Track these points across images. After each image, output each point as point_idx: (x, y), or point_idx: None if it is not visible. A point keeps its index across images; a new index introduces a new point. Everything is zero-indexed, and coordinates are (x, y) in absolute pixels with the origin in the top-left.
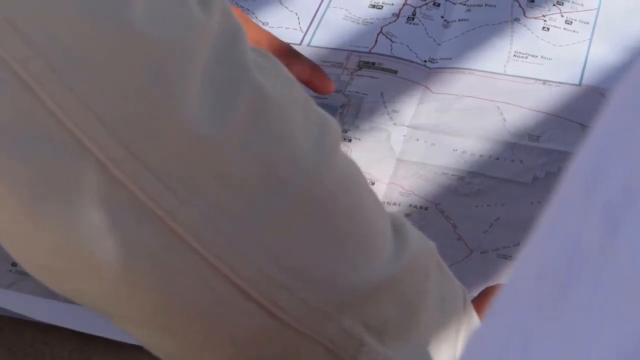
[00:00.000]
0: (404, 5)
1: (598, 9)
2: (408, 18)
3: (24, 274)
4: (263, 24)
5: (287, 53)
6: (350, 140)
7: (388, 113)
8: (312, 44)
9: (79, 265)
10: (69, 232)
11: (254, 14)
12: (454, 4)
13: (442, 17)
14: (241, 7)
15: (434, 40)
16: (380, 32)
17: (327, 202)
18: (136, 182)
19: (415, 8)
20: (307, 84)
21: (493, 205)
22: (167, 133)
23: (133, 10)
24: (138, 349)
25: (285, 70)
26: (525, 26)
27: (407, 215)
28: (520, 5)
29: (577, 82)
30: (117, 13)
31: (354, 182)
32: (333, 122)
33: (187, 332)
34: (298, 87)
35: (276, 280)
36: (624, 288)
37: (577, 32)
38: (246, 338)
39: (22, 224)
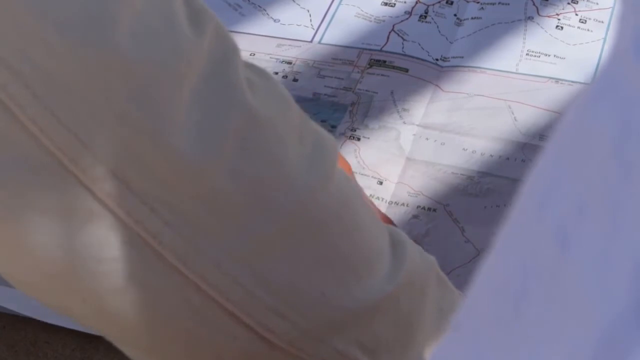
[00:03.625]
0: (416, 3)
1: (613, 8)
2: (420, 16)
3: None
4: (275, 20)
5: None
6: (359, 139)
7: (398, 112)
8: (323, 41)
9: (62, 286)
10: (53, 256)
11: (265, 10)
12: (467, 1)
13: (455, 15)
14: (253, 4)
15: (447, 38)
16: (392, 30)
17: (320, 224)
18: (120, 205)
19: (428, 6)
20: None
21: (502, 205)
22: (152, 157)
23: (117, 33)
24: None
25: (280, 87)
26: (539, 25)
27: (415, 217)
28: (534, 4)
29: (590, 81)
30: (100, 37)
31: (351, 201)
32: (330, 140)
33: (173, 353)
34: (293, 105)
35: (266, 303)
36: (573, 306)
37: (592, 31)
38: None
39: (4, 245)
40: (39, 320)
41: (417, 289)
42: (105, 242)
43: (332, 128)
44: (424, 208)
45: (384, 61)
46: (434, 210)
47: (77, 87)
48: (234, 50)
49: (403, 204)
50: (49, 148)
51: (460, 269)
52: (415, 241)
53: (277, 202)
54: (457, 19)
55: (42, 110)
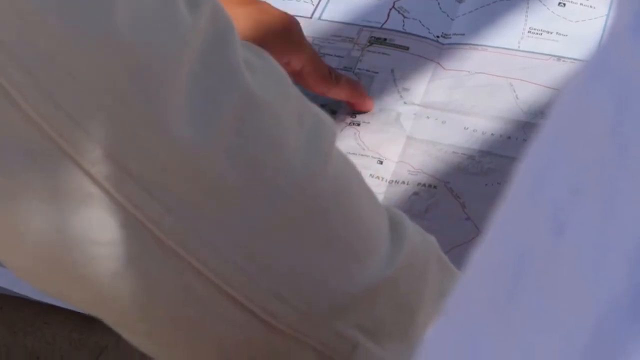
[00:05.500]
0: None
1: None
2: None
3: None
4: None
5: (327, 77)
6: (359, 125)
7: (398, 91)
8: (323, 17)
9: (59, 272)
10: (51, 241)
11: None
12: None
13: None
14: None
15: (448, 15)
16: (393, 7)
17: (319, 207)
18: (118, 188)
19: None
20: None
21: (503, 183)
22: (150, 141)
23: (115, 17)
24: None
25: (278, 68)
26: (541, 1)
27: (416, 193)
28: None
29: None
30: (98, 20)
31: (350, 183)
32: (328, 121)
33: (173, 339)
34: (292, 87)
35: (266, 287)
36: (569, 292)
37: (594, 7)
38: (234, 345)
39: (1, 230)
40: (37, 302)
41: (417, 271)
42: (102, 225)
43: (332, 114)
44: (424, 185)
45: (385, 39)
46: (435, 186)
47: (76, 71)
48: (231, 30)
49: (403, 182)
50: (47, 131)
51: (460, 247)
52: (416, 218)
53: (276, 186)
54: None
55: (41, 94)
